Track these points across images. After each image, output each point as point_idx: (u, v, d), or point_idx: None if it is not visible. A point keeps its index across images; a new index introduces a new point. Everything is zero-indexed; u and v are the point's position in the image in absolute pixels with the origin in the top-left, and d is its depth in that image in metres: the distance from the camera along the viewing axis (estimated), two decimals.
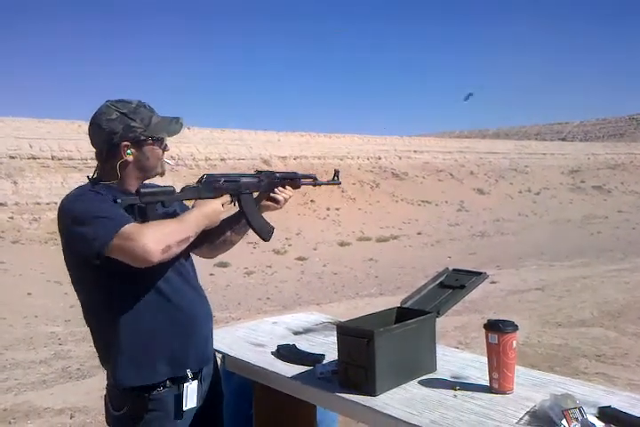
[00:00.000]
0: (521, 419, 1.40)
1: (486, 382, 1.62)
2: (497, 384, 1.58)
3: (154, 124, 1.66)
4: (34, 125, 19.12)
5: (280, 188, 1.88)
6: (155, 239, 1.47)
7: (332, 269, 12.62)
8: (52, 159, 18.02)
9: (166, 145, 1.73)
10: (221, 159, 22.13)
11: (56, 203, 14.27)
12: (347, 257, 14.36)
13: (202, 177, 1.73)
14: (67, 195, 1.65)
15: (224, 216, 1.79)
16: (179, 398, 1.66)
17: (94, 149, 1.69)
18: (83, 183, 1.73)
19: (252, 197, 1.83)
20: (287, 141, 25.84)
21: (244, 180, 1.81)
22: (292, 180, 1.91)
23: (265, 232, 1.85)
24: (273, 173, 1.88)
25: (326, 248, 16.21)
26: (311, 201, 21.27)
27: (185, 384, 1.66)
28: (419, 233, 19.64)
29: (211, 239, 1.85)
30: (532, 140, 46.53)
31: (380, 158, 28.11)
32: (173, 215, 1.69)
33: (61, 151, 18.30)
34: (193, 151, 20.55)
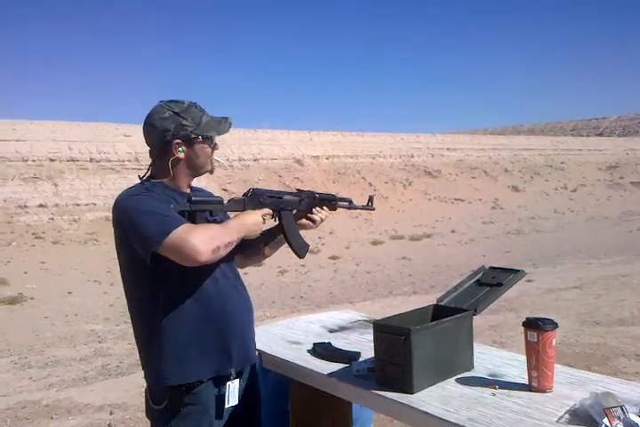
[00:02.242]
0: (561, 417, 1.38)
1: (525, 381, 1.61)
2: (536, 383, 1.56)
3: (204, 124, 1.72)
4: (72, 128, 19.58)
5: (318, 208, 1.94)
6: (204, 241, 1.54)
7: (364, 268, 12.60)
8: (91, 161, 18.43)
9: (216, 144, 1.79)
10: (254, 159, 22.30)
11: (95, 204, 14.66)
12: (379, 256, 14.32)
13: (248, 191, 1.80)
14: (122, 192, 1.72)
15: (263, 229, 1.84)
16: (220, 396, 1.71)
17: (148, 148, 1.76)
18: (132, 183, 1.80)
19: (292, 215, 1.90)
20: (319, 141, 25.88)
21: (287, 197, 1.88)
22: (330, 201, 1.97)
23: (301, 249, 1.92)
24: (313, 193, 1.95)
25: (359, 247, 16.19)
26: None
27: (227, 383, 1.71)
28: (452, 231, 19.46)
29: (244, 250, 1.88)
30: (569, 136, 45.65)
31: (412, 156, 27.93)
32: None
33: (99, 153, 18.70)
34: (227, 152, 20.75)
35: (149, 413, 1.74)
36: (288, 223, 1.88)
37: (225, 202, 1.76)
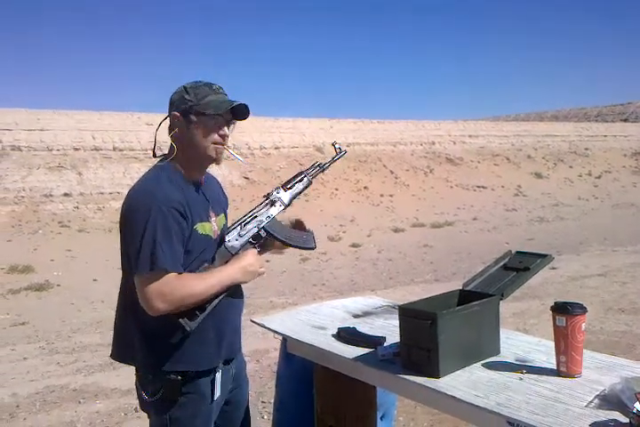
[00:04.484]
0: (591, 402, 1.37)
1: (553, 366, 1.59)
2: (565, 368, 1.55)
3: (205, 101, 1.66)
4: (96, 118, 19.74)
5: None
6: (169, 303, 1.56)
7: (386, 255, 12.56)
8: (114, 150, 18.59)
9: (225, 130, 1.71)
10: (275, 148, 22.30)
11: (119, 193, 14.80)
12: (401, 243, 14.26)
13: (221, 241, 1.76)
14: (135, 184, 1.74)
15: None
16: (213, 384, 1.72)
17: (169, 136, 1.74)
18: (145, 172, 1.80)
19: (275, 222, 1.86)
20: (340, 129, 25.76)
21: (259, 214, 1.83)
22: (301, 181, 1.93)
23: (308, 243, 1.93)
24: (279, 187, 1.90)
25: (380, 235, 16.13)
26: (364, 188, 21.21)
27: (216, 375, 1.73)
28: (474, 219, 19.29)
29: None
30: (593, 122, 44.78)
31: (433, 144, 27.69)
32: (219, 202, 1.84)
33: (122, 142, 18.85)
34: (248, 140, 20.76)
35: (144, 406, 1.74)
36: (277, 233, 1.86)
37: (211, 261, 1.72)
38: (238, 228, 1.80)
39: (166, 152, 1.75)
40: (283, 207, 1.87)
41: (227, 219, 1.89)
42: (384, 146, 25.61)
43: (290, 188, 1.90)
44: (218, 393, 1.73)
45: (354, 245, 14.06)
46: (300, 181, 1.92)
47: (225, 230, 1.81)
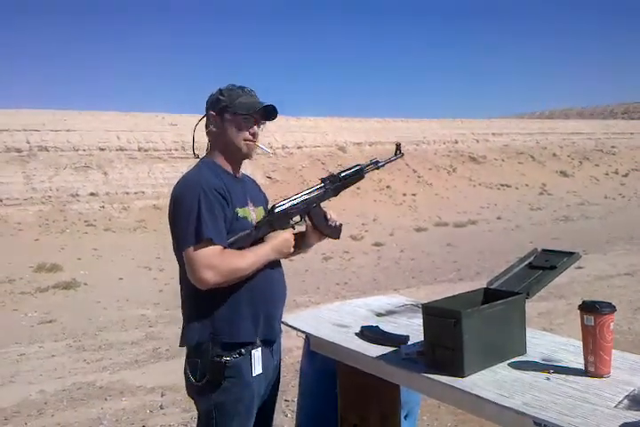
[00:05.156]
0: (620, 402, 1.34)
1: (581, 366, 1.57)
2: (593, 368, 1.52)
3: (238, 102, 1.83)
4: (121, 118, 19.98)
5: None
6: (217, 274, 1.67)
7: (409, 254, 12.49)
8: (139, 151, 18.80)
9: (255, 128, 1.87)
10: (298, 147, 22.32)
11: (143, 192, 14.94)
12: (424, 243, 14.17)
13: (272, 208, 1.88)
14: (183, 176, 1.83)
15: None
16: (251, 360, 1.80)
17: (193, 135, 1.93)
18: (179, 172, 1.91)
19: (319, 210, 1.96)
20: (362, 128, 25.71)
21: (310, 196, 1.93)
22: (357, 173, 2.00)
23: (335, 233, 2.00)
24: (336, 175, 1.98)
25: (403, 234, 16.06)
26: (387, 187, 21.13)
27: (252, 351, 1.80)
28: (498, 218, 19.10)
29: None
30: (619, 120, 44.04)
31: (456, 142, 27.48)
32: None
33: (147, 143, 19.05)
34: (270, 140, 20.83)
35: (191, 390, 1.84)
36: (318, 220, 1.95)
37: (253, 231, 1.82)
38: (287, 201, 1.90)
39: (204, 152, 1.91)
40: (331, 195, 1.96)
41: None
42: (407, 145, 25.46)
43: (344, 178, 1.98)
44: (258, 370, 1.81)
45: (376, 244, 14.02)
46: (356, 173, 1.99)
47: None
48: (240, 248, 1.76)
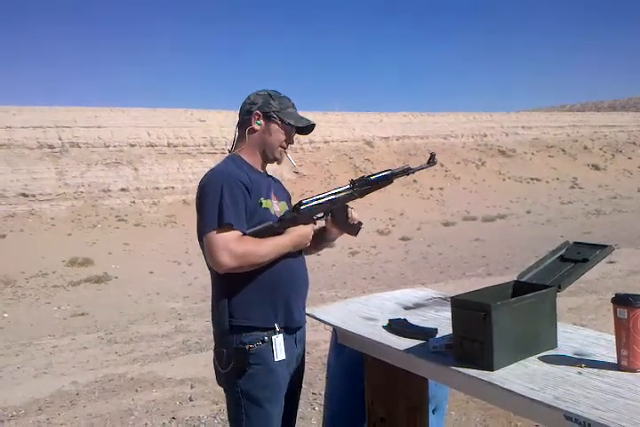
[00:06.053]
0: None
1: (613, 360, 1.53)
2: (626, 362, 1.48)
3: (287, 111, 1.96)
4: (150, 115, 20.23)
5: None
6: (234, 259, 1.73)
7: (436, 249, 12.42)
8: (168, 146, 19.04)
9: (292, 138, 2.00)
10: (325, 142, 22.33)
11: (173, 188, 15.16)
12: (451, 237, 14.07)
13: (297, 204, 1.92)
14: (209, 171, 1.90)
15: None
16: (272, 346, 1.85)
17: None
18: (208, 167, 1.96)
19: (342, 210, 1.99)
20: (389, 122, 25.57)
21: (337, 197, 1.96)
22: (386, 179, 1.99)
23: (354, 232, 2.03)
24: (365, 178, 1.99)
25: (430, 228, 15.98)
26: (414, 181, 21.00)
27: (273, 337, 1.83)
28: (528, 212, 18.86)
29: None
30: None
31: (485, 136, 27.17)
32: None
33: (176, 139, 19.28)
34: (297, 135, 20.87)
35: (219, 379, 1.90)
36: (340, 218, 1.99)
37: (277, 222, 1.87)
38: (314, 200, 1.94)
39: (227, 147, 2.00)
40: (357, 197, 1.98)
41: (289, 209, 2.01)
42: (434, 138, 25.28)
43: (373, 182, 1.98)
44: (281, 356, 1.84)
45: (403, 239, 13.97)
46: (385, 178, 1.99)
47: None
48: (260, 238, 1.81)
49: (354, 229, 2.03)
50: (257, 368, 1.82)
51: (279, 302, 1.87)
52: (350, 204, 2.03)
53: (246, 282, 1.82)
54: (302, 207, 1.90)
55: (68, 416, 3.85)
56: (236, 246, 1.73)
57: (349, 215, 2.00)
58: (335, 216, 1.99)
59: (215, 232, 1.74)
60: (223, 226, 1.74)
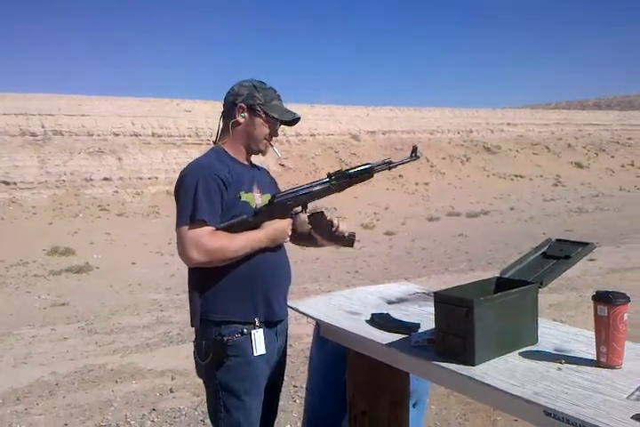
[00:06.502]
0: (632, 394, 1.33)
1: (593, 357, 1.55)
2: (605, 358, 1.50)
3: (271, 104, 1.93)
4: (135, 104, 20.03)
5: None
6: (204, 254, 1.73)
7: (420, 244, 12.48)
8: (153, 136, 18.87)
9: (277, 131, 1.98)
10: (311, 135, 22.28)
11: (157, 178, 15.06)
12: (435, 232, 14.14)
13: (272, 198, 1.90)
14: (190, 162, 1.90)
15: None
16: (251, 340, 1.85)
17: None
18: (192, 157, 1.98)
19: (321, 216, 1.97)
20: (376, 116, 25.59)
21: (313, 190, 1.93)
22: (366, 172, 1.95)
23: (348, 242, 2.02)
24: (343, 171, 1.95)
25: (415, 223, 16.05)
26: (399, 176, 21.06)
27: (252, 331, 1.84)
28: (511, 208, 19.01)
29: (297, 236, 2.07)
30: (637, 111, 43.44)
31: (471, 132, 27.31)
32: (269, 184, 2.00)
33: (161, 128, 19.12)
34: (284, 127, 20.78)
35: (199, 371, 1.91)
36: (318, 226, 1.97)
37: (251, 217, 1.85)
38: (289, 192, 1.93)
39: (211, 138, 1.99)
40: (335, 191, 1.95)
41: None
42: (420, 134, 25.35)
43: (350, 175, 1.94)
44: (261, 350, 1.85)
45: (388, 234, 14.02)
46: (364, 172, 1.95)
47: None
48: (235, 233, 1.80)
49: (346, 241, 2.01)
50: (235, 360, 1.82)
51: (258, 295, 1.87)
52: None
53: (220, 275, 1.82)
54: (276, 200, 1.89)
55: (46, 406, 3.82)
56: (207, 241, 1.74)
57: (334, 225, 1.97)
58: (314, 222, 1.96)
59: (187, 227, 1.75)
60: (196, 222, 1.74)
